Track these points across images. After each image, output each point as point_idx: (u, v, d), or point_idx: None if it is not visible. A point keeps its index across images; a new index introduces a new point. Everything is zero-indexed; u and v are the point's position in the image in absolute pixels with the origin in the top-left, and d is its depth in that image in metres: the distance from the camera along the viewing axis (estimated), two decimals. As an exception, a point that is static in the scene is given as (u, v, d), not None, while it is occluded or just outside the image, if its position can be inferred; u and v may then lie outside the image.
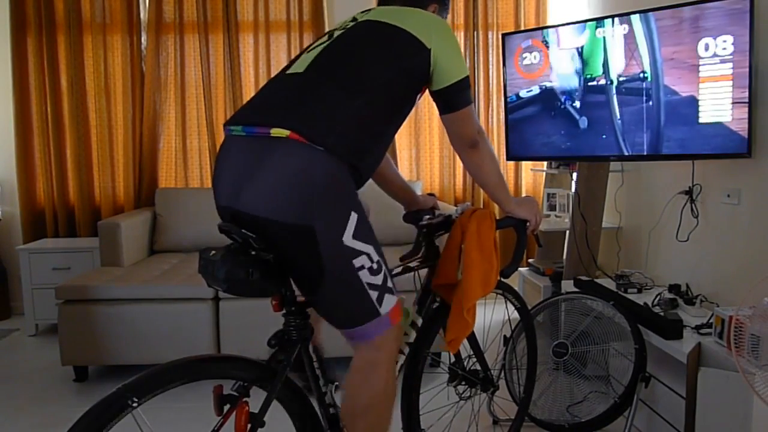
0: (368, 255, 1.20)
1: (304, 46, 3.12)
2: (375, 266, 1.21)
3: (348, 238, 1.17)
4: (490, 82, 3.73)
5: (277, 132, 1.15)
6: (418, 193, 1.87)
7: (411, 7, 1.40)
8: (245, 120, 1.21)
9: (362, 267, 1.19)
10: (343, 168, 1.17)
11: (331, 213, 1.15)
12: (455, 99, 1.33)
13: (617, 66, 2.46)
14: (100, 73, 3.55)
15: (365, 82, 1.21)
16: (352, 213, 1.18)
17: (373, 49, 1.26)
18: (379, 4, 1.47)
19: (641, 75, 2.38)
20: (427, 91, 1.36)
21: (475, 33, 3.69)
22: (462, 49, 3.72)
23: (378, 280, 1.22)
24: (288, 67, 1.32)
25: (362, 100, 1.20)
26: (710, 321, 1.96)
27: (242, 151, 1.19)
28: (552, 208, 3.43)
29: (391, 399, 1.31)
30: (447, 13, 1.56)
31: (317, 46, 1.32)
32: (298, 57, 1.34)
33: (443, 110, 1.35)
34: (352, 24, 1.34)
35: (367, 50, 1.26)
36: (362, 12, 1.40)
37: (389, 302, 1.24)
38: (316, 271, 1.17)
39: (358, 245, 1.18)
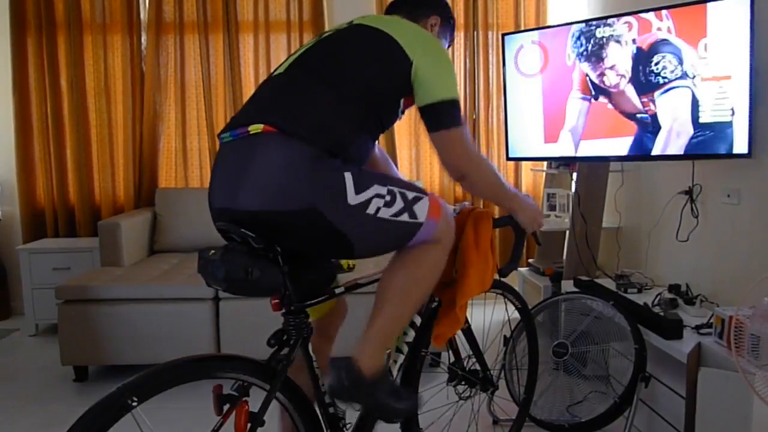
0: (377, 195, 1.21)
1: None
2: (388, 197, 1.22)
3: (352, 198, 1.18)
4: (490, 82, 3.73)
5: (254, 128, 1.18)
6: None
7: (409, 19, 1.42)
8: (232, 125, 1.25)
9: (378, 209, 1.20)
10: (323, 155, 1.17)
11: (326, 187, 1.16)
12: (438, 119, 1.28)
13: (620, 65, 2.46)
14: (100, 73, 3.55)
15: (344, 77, 1.23)
16: (346, 174, 1.18)
17: (356, 48, 1.28)
18: (385, 13, 1.50)
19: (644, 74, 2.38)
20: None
21: (475, 33, 3.69)
22: (462, 49, 3.72)
23: (399, 204, 1.23)
24: (275, 70, 1.35)
25: (341, 92, 1.22)
26: (710, 321, 1.95)
27: (231, 154, 1.22)
28: (552, 208, 3.42)
29: (433, 282, 1.33)
30: (447, 41, 1.54)
31: (303, 47, 1.35)
32: (286, 60, 1.37)
33: (428, 128, 1.31)
34: (344, 27, 1.36)
35: (350, 50, 1.28)
36: (360, 18, 1.42)
37: (422, 210, 1.27)
38: (342, 241, 1.19)
39: (364, 195, 1.19)
